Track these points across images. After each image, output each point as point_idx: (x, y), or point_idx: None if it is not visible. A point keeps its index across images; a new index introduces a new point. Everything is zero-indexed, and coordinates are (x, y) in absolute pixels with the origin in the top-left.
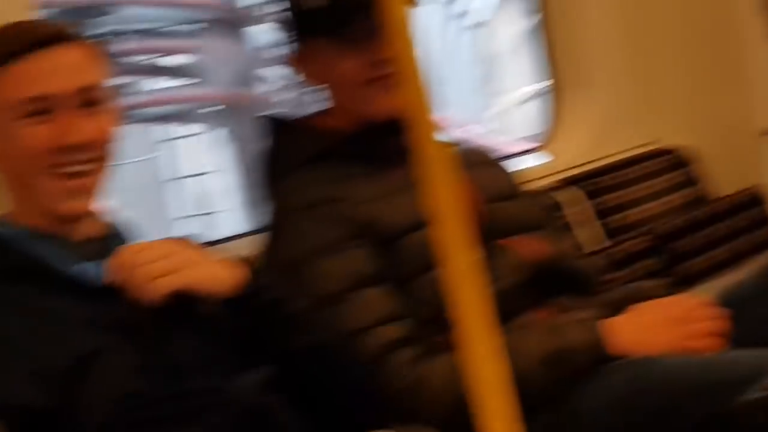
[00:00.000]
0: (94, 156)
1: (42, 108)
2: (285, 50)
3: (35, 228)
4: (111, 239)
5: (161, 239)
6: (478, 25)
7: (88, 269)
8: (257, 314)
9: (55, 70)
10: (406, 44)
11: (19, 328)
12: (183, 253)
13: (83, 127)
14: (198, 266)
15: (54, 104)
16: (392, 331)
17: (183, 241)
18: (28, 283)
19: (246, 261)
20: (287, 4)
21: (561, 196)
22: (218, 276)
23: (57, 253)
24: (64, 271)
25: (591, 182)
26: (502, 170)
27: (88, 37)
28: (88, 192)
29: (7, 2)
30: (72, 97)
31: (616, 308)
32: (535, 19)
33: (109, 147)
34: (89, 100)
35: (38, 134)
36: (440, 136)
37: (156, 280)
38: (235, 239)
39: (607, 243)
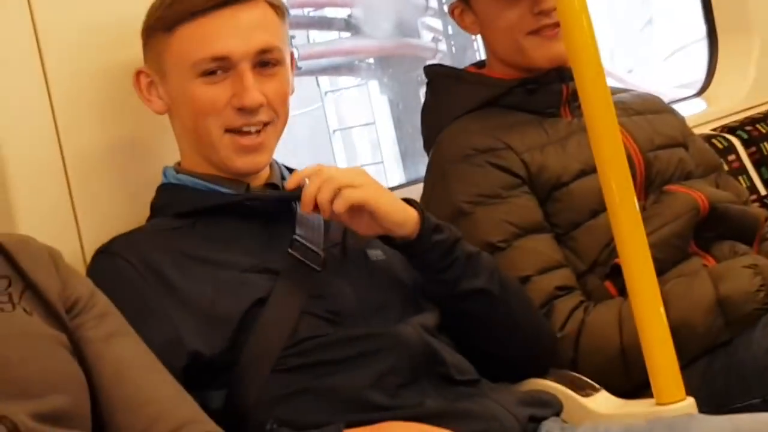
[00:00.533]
0: (269, 117)
1: (220, 66)
2: (440, 1)
3: (210, 176)
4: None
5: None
6: None
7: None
8: (435, 253)
9: (237, 30)
10: None
11: (195, 275)
12: (370, 178)
13: (260, 89)
14: (383, 191)
15: (232, 63)
16: (554, 279)
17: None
18: (203, 225)
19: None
20: None
21: (717, 144)
22: (401, 207)
23: (233, 197)
24: (240, 205)
25: (747, 130)
26: (673, 117)
27: None
28: (262, 149)
29: None
30: (251, 57)
31: None
32: None
33: (283, 107)
34: (267, 60)
35: (215, 94)
36: (606, 84)
37: (345, 190)
38: (398, 189)
39: (764, 192)
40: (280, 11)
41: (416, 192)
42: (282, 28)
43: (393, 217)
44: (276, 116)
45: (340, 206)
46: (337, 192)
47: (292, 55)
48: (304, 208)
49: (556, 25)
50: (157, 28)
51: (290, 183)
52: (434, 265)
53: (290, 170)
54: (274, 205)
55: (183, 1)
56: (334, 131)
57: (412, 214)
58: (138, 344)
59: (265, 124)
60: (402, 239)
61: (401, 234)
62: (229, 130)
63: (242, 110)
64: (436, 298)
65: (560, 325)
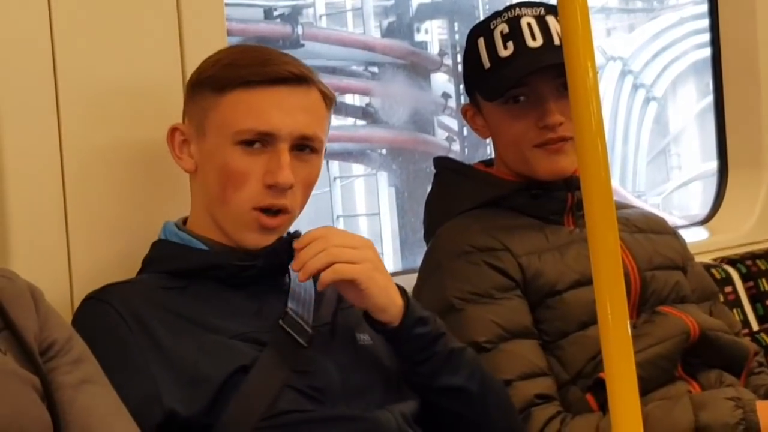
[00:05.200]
0: (291, 204)
1: (261, 140)
2: (459, 102)
3: (214, 242)
4: (281, 247)
5: (359, 235)
6: (654, 99)
7: (256, 284)
8: (414, 345)
9: (287, 110)
10: (591, 106)
11: (182, 334)
12: (372, 253)
13: (292, 170)
14: (379, 272)
15: (273, 140)
16: (535, 387)
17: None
18: (196, 288)
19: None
20: (463, 59)
21: (715, 274)
22: (390, 292)
23: (231, 264)
24: (242, 279)
25: (747, 264)
26: (674, 239)
27: (325, 86)
28: (276, 230)
29: (202, 33)
30: (293, 139)
31: (767, 392)
32: (711, 99)
33: (305, 195)
34: (305, 146)
35: (249, 166)
36: (613, 202)
37: (338, 264)
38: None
39: (757, 327)
40: (329, 101)
41: (409, 281)
42: (327, 119)
43: (377, 300)
44: (296, 204)
45: (327, 278)
46: (329, 264)
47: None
48: (294, 266)
49: (561, 139)
50: (208, 85)
51: (300, 243)
52: (412, 356)
53: (290, 234)
54: (265, 269)
55: (240, 68)
56: (338, 217)
57: (398, 302)
58: (110, 394)
59: (286, 211)
60: (383, 325)
61: (382, 318)
62: (256, 208)
63: (273, 188)
64: (414, 388)
65: None
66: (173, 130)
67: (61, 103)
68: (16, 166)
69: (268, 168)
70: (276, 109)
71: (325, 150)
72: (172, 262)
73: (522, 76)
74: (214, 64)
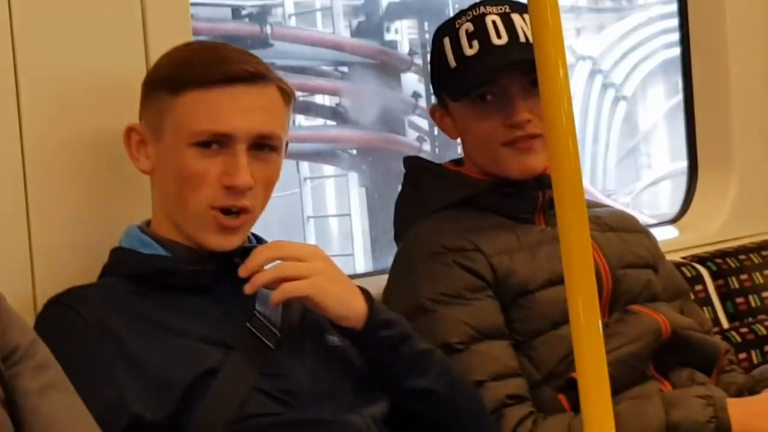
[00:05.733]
0: (252, 203)
1: (217, 141)
2: (429, 102)
3: (176, 244)
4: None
5: (309, 244)
6: (623, 98)
7: (220, 287)
8: (380, 348)
9: (243, 110)
10: (562, 105)
11: (147, 338)
12: (322, 264)
13: (250, 171)
14: (332, 283)
15: (230, 141)
16: (507, 388)
17: (326, 256)
18: (160, 292)
19: (375, 296)
20: (429, 60)
21: (686, 273)
22: (347, 300)
23: (192, 267)
24: (197, 283)
25: (717, 262)
26: (645, 237)
27: (283, 81)
28: (238, 231)
29: (166, 25)
30: (250, 139)
31: (738, 390)
32: (680, 98)
33: (266, 194)
34: (264, 144)
35: (206, 167)
36: (584, 201)
37: (287, 282)
38: (364, 277)
39: (727, 325)
40: (287, 97)
41: (380, 282)
42: (286, 116)
43: (335, 310)
44: (257, 204)
45: (277, 299)
46: (277, 279)
47: (287, 143)
48: (241, 272)
49: (529, 137)
50: (162, 86)
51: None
52: (378, 360)
53: (258, 239)
54: (221, 273)
55: (194, 67)
56: (309, 218)
57: (359, 308)
58: (74, 401)
59: (247, 211)
60: (347, 329)
61: (344, 325)
62: (214, 208)
63: (231, 189)
64: (383, 390)
65: None
66: (129, 131)
67: (21, 99)
68: None
69: (226, 170)
70: (231, 110)
71: (288, 147)
72: (127, 269)
73: (488, 74)
74: (168, 64)
